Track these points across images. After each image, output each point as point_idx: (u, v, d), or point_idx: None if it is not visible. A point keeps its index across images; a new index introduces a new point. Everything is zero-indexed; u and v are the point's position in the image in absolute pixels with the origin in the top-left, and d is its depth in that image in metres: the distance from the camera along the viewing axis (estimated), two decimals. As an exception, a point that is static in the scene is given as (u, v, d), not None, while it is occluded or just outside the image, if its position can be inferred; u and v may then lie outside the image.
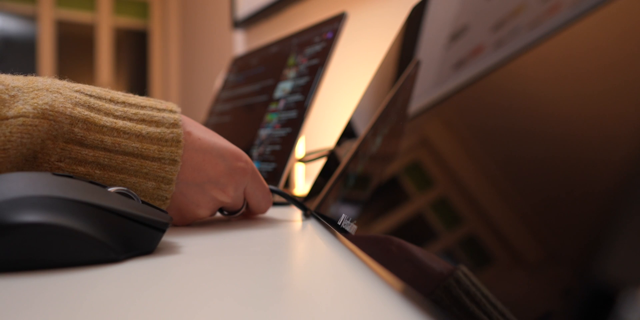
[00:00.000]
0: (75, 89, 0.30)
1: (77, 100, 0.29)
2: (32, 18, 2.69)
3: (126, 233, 0.25)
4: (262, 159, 0.56)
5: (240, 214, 0.39)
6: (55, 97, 0.28)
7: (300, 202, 0.41)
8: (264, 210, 0.39)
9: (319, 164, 0.97)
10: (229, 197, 0.34)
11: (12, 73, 0.30)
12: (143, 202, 0.27)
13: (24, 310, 0.17)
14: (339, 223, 0.30)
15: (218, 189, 0.33)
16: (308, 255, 0.26)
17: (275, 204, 0.50)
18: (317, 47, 0.57)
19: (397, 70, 0.38)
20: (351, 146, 0.39)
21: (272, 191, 0.40)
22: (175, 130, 0.30)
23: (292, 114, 0.55)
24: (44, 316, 0.16)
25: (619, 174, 0.11)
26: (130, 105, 0.31)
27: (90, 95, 0.30)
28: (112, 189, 0.26)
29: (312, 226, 0.36)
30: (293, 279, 0.21)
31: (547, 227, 0.13)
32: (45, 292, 0.19)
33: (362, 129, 0.39)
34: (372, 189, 0.28)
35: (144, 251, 0.26)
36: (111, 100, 0.30)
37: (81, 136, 0.28)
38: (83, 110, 0.28)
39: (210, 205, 0.34)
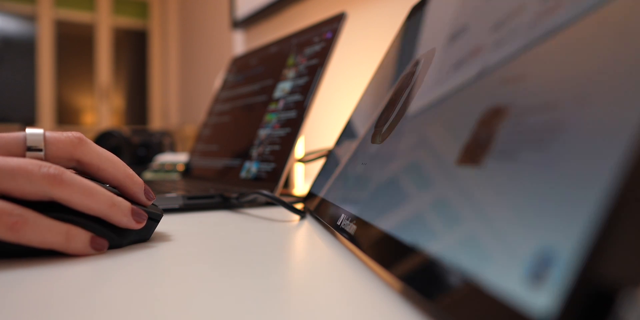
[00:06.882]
0: None
1: None
2: (31, 18, 2.69)
3: None
4: (261, 159, 0.56)
5: None
6: None
7: (293, 207, 0.40)
8: None
9: (319, 164, 0.97)
10: None
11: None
12: None
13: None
14: (338, 223, 0.30)
15: None
16: (307, 255, 0.26)
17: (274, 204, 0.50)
18: (317, 47, 0.57)
19: (396, 70, 0.38)
20: (350, 146, 0.39)
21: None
22: None
23: (292, 114, 0.55)
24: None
25: (618, 173, 0.11)
26: None
27: None
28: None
29: (311, 226, 0.36)
30: (292, 279, 0.21)
31: (546, 227, 0.13)
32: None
33: (361, 129, 0.39)
34: (372, 189, 0.27)
35: (142, 238, 0.29)
36: None
37: None
38: None
39: None
